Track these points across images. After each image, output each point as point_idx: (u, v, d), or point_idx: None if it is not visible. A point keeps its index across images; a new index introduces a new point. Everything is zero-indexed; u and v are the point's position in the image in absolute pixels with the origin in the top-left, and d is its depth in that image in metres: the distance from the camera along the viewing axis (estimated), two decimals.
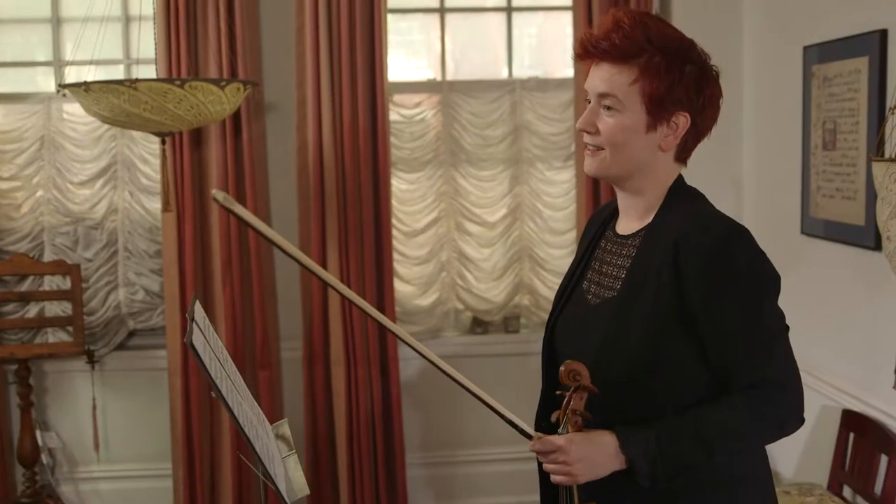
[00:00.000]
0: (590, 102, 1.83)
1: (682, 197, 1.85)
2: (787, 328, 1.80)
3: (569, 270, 2.04)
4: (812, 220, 3.70)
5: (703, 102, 1.79)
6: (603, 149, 1.80)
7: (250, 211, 4.30)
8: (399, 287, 4.43)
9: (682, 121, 1.78)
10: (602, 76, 1.79)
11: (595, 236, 2.00)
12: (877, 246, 3.21)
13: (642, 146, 1.79)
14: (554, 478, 1.74)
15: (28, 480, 4.21)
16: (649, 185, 1.84)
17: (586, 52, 1.81)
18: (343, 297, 1.69)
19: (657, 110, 1.76)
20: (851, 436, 3.45)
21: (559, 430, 1.75)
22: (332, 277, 1.70)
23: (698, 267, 1.71)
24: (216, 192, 1.48)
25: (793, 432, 1.81)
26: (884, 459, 3.24)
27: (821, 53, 3.59)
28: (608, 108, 1.78)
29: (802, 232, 3.79)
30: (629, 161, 1.80)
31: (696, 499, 1.78)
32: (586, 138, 1.83)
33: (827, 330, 3.61)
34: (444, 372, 1.75)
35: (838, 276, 3.55)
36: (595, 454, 1.71)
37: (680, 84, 1.75)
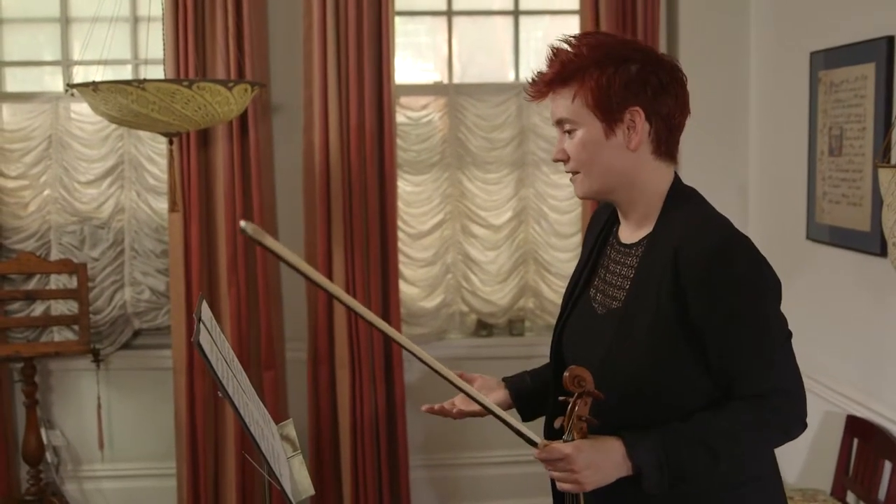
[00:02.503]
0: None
1: (679, 202, 1.85)
2: (789, 334, 1.80)
3: (575, 273, 2.04)
4: (818, 226, 3.70)
5: (651, 92, 1.79)
6: (578, 172, 1.85)
7: (255, 208, 4.30)
8: (404, 289, 4.43)
9: (638, 116, 1.79)
10: (553, 105, 1.85)
11: (598, 239, 2.01)
12: (882, 252, 3.21)
13: (610, 153, 1.81)
14: (560, 486, 1.73)
15: (32, 478, 4.22)
16: (639, 193, 1.85)
17: (537, 91, 1.86)
18: (387, 335, 1.65)
19: (605, 114, 1.79)
20: (855, 441, 3.45)
21: (564, 437, 1.74)
22: (369, 312, 1.63)
23: (698, 276, 1.71)
24: (245, 225, 1.42)
25: (796, 437, 1.82)
26: (888, 466, 3.24)
27: (827, 59, 3.60)
28: (568, 131, 1.84)
29: (808, 237, 3.79)
30: (606, 172, 1.83)
31: (701, 501, 1.79)
32: (564, 167, 1.89)
33: (832, 335, 3.61)
34: (448, 380, 1.73)
35: (843, 281, 3.55)
36: (602, 461, 1.71)
37: (616, 81, 1.77)
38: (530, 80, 1.87)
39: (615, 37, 1.86)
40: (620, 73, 1.77)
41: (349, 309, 1.61)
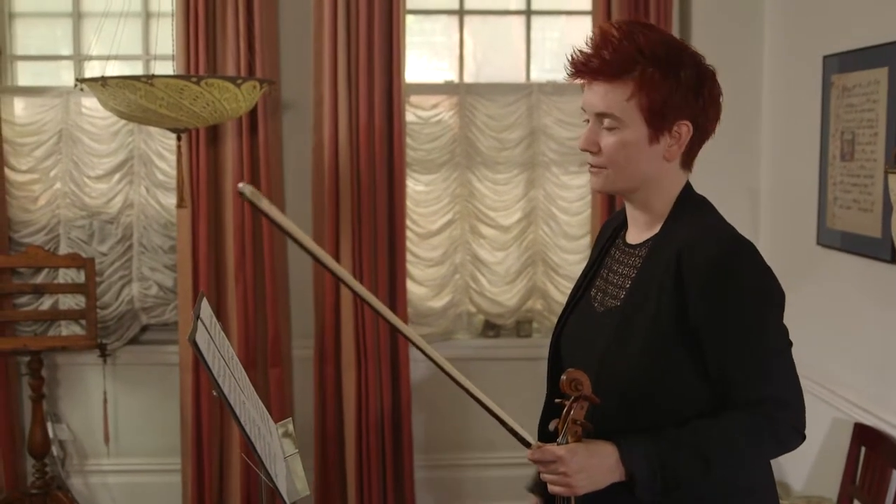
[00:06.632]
0: (588, 121, 1.80)
1: (689, 207, 1.82)
2: (790, 344, 1.77)
3: (580, 276, 2.03)
4: (828, 232, 3.67)
5: (702, 105, 1.75)
6: (606, 167, 1.78)
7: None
8: (412, 288, 4.42)
9: (685, 129, 1.75)
10: (598, 95, 1.75)
11: (607, 243, 1.99)
12: (892, 259, 3.18)
13: (646, 159, 1.76)
14: (552, 488, 1.72)
15: (38, 472, 4.23)
16: (656, 195, 1.82)
17: (578, 71, 1.77)
18: (360, 297, 1.61)
19: (658, 122, 1.73)
20: (863, 450, 3.42)
21: (559, 440, 1.73)
22: (351, 278, 1.61)
23: (701, 280, 1.69)
24: (243, 186, 1.40)
25: (793, 449, 1.79)
26: (895, 475, 3.21)
27: (841, 63, 3.57)
28: (608, 126, 1.75)
29: (818, 243, 3.76)
30: (634, 175, 1.78)
31: None
32: (589, 158, 1.81)
33: (840, 342, 3.58)
34: (448, 374, 1.71)
35: (853, 288, 3.52)
36: (595, 465, 1.69)
37: (677, 92, 1.71)
38: (571, 57, 1.76)
39: (666, 33, 1.78)
40: (682, 84, 1.71)
41: (351, 290, 1.59)
